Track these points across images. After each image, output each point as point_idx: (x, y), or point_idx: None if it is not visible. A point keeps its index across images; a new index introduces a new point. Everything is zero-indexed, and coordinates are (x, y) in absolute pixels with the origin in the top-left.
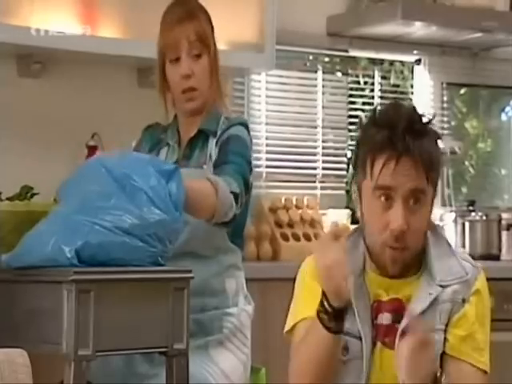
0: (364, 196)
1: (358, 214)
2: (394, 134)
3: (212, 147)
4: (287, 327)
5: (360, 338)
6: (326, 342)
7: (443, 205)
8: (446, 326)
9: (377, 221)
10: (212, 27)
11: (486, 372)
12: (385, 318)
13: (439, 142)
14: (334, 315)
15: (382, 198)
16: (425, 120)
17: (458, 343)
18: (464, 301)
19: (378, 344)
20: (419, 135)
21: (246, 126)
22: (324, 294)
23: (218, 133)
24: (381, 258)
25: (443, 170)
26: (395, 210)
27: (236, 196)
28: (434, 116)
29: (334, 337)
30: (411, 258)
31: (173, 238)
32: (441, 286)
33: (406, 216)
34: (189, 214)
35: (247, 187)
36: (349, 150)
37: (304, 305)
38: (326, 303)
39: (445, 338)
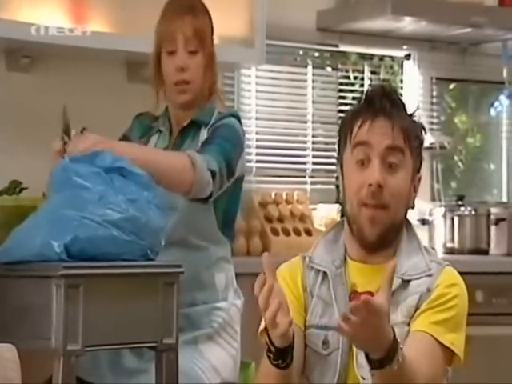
0: (345, 167)
1: (341, 194)
2: (371, 99)
3: (203, 136)
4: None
5: None
6: (274, 375)
7: (432, 199)
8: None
9: (354, 181)
10: (211, 27)
11: (450, 351)
12: None
13: (416, 121)
14: (277, 354)
15: (360, 157)
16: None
17: (417, 320)
18: (429, 290)
19: None
20: (395, 103)
21: (238, 117)
22: (267, 333)
23: (211, 123)
24: (358, 222)
25: (432, 162)
26: (371, 167)
27: (213, 174)
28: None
29: (284, 371)
30: (390, 227)
31: (162, 232)
32: (402, 279)
33: (383, 173)
34: (164, 188)
35: (229, 168)
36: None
37: None
38: (269, 343)
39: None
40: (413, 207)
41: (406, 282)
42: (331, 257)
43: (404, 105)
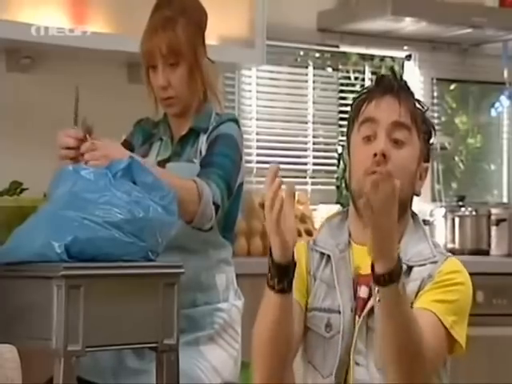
0: (352, 146)
1: (347, 174)
2: (380, 80)
3: (202, 143)
4: None
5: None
6: (272, 302)
7: (433, 200)
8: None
9: (361, 155)
10: (198, 28)
11: (451, 337)
12: (362, 291)
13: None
14: (276, 271)
15: (366, 133)
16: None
17: (419, 299)
18: (431, 276)
19: (358, 317)
20: (404, 86)
21: (236, 121)
22: (270, 249)
23: (210, 128)
24: (362, 191)
25: (433, 164)
26: (378, 139)
27: (217, 207)
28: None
29: (279, 296)
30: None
31: (164, 233)
32: (407, 265)
33: (388, 145)
34: None
35: (230, 191)
36: (339, 145)
37: None
38: (269, 259)
39: None
40: (418, 194)
41: (409, 269)
42: (335, 241)
43: (412, 93)
